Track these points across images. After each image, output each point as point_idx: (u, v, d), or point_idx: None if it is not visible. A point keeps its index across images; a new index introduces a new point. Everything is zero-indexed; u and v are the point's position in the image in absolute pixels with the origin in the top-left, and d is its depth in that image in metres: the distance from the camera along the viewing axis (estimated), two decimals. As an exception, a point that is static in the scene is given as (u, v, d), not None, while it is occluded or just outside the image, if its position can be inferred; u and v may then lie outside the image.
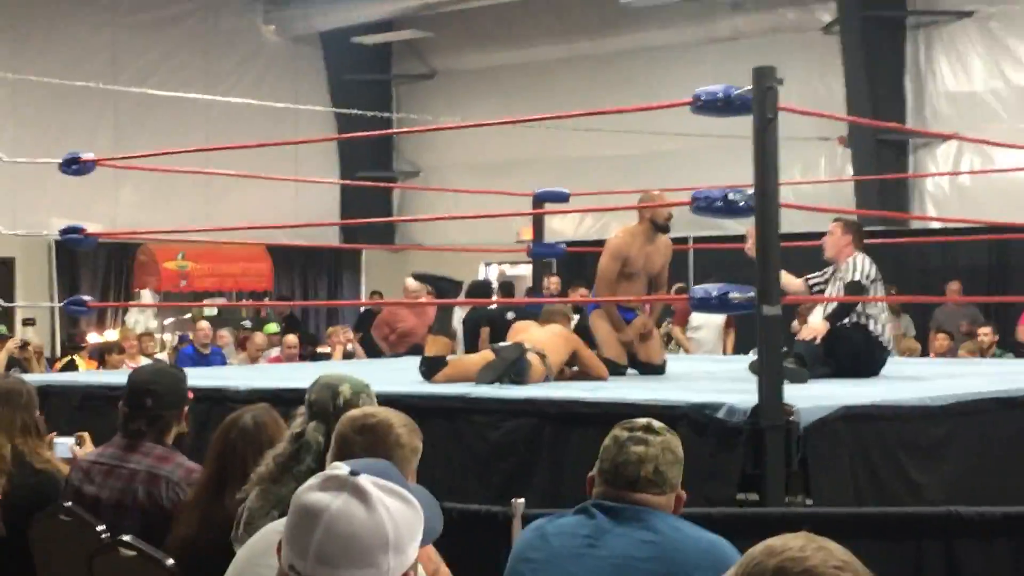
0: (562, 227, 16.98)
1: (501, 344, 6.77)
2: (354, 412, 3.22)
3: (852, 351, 7.16)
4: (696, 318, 13.35)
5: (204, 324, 13.06)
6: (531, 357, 6.55)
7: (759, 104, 5.30)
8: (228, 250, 16.61)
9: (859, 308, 7.24)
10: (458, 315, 12.07)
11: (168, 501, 4.08)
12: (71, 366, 11.94)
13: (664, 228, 7.48)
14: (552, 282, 12.88)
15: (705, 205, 5.68)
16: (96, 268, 17.00)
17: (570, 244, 11.72)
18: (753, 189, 5.36)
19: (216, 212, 16.51)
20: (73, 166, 7.90)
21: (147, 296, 16.72)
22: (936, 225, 15.55)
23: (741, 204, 5.57)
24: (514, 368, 6.34)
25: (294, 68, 19.06)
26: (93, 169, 7.95)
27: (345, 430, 3.10)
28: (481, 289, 9.69)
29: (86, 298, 8.57)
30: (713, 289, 5.59)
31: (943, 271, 14.48)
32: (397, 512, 1.89)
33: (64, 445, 4.83)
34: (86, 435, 4.85)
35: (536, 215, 10.38)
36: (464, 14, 18.08)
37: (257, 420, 3.91)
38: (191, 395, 4.43)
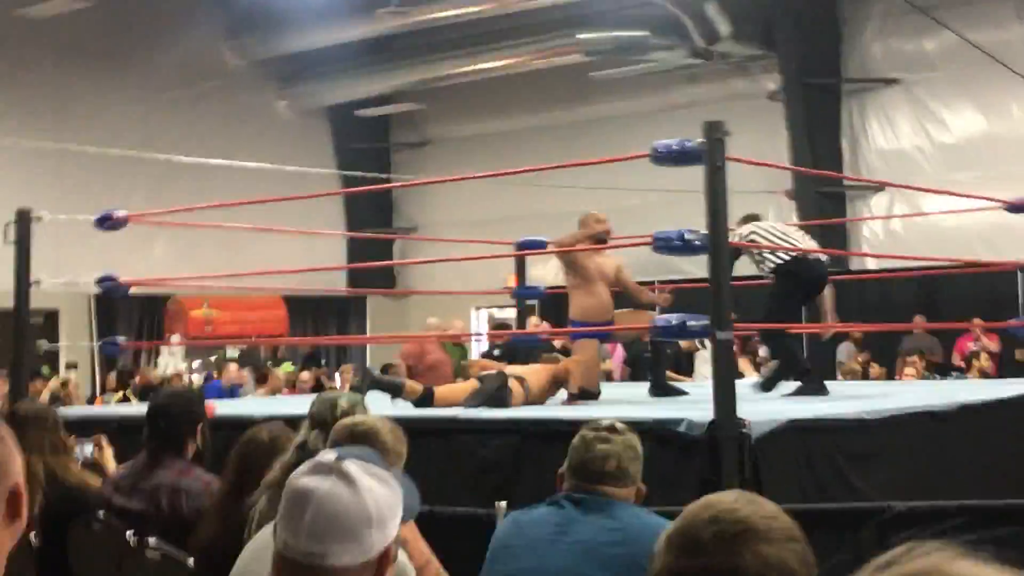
0: (542, 274, 16.95)
1: (484, 373, 6.75)
2: (346, 420, 3.20)
3: None
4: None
5: (232, 365, 13.15)
6: (512, 384, 6.53)
7: (709, 154, 5.33)
8: (248, 299, 16.61)
9: None
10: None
11: (188, 511, 4.04)
12: (126, 399, 11.92)
13: (603, 240, 7.38)
14: (532, 322, 12.89)
15: (664, 244, 5.69)
16: (131, 317, 16.97)
17: (549, 288, 11.71)
18: (706, 230, 5.38)
19: (237, 267, 16.47)
20: (107, 223, 7.90)
21: (176, 341, 16.68)
22: (872, 265, 15.58)
23: (696, 243, 5.58)
24: (498, 393, 6.31)
25: (304, 138, 19.11)
26: (125, 225, 7.93)
27: (338, 436, 3.08)
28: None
29: (120, 339, 8.56)
30: (673, 318, 5.62)
31: (879, 305, 14.49)
32: (379, 492, 1.88)
33: (85, 448, 4.79)
34: (103, 437, 4.81)
35: (518, 262, 10.40)
36: (454, 88, 18.17)
37: (271, 434, 3.89)
38: (210, 413, 4.40)
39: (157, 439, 4.20)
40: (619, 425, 3.08)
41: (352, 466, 1.88)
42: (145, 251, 16.07)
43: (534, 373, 6.81)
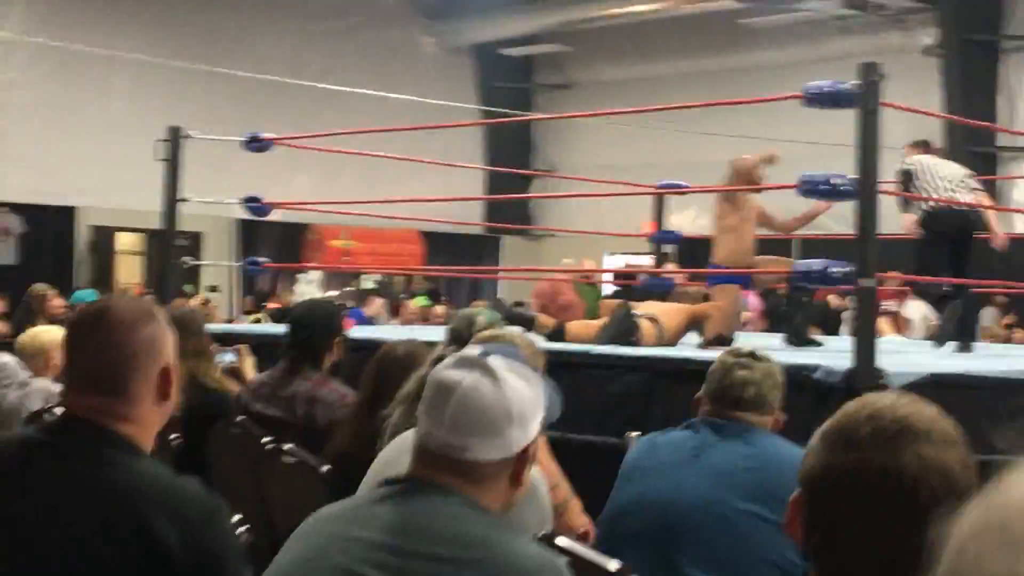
0: (679, 222, 16.80)
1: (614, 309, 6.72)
2: (485, 332, 3.21)
3: None
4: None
5: (376, 298, 13.40)
6: (641, 321, 6.48)
7: (863, 97, 5.20)
8: (385, 232, 16.78)
9: None
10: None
11: (323, 420, 4.12)
12: (258, 323, 12.18)
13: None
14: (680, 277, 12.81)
15: (811, 188, 5.59)
16: (271, 244, 17.28)
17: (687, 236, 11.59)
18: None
19: (376, 199, 16.66)
20: (253, 144, 8.05)
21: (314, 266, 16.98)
22: (1021, 228, 15.09)
23: (842, 187, 5.47)
24: (623, 326, 6.27)
25: (448, 75, 19.14)
26: (270, 147, 8.07)
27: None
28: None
29: (261, 259, 8.73)
30: (815, 264, 5.51)
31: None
32: (522, 389, 1.88)
33: (226, 357, 4.90)
34: (243, 347, 4.91)
35: (657, 207, 10.30)
36: (600, 31, 18.02)
37: (407, 350, 3.92)
38: (348, 327, 4.46)
39: (296, 349, 4.28)
40: (760, 352, 3.03)
41: (497, 362, 1.88)
42: (287, 180, 16.30)
43: (668, 313, 6.75)
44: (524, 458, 1.89)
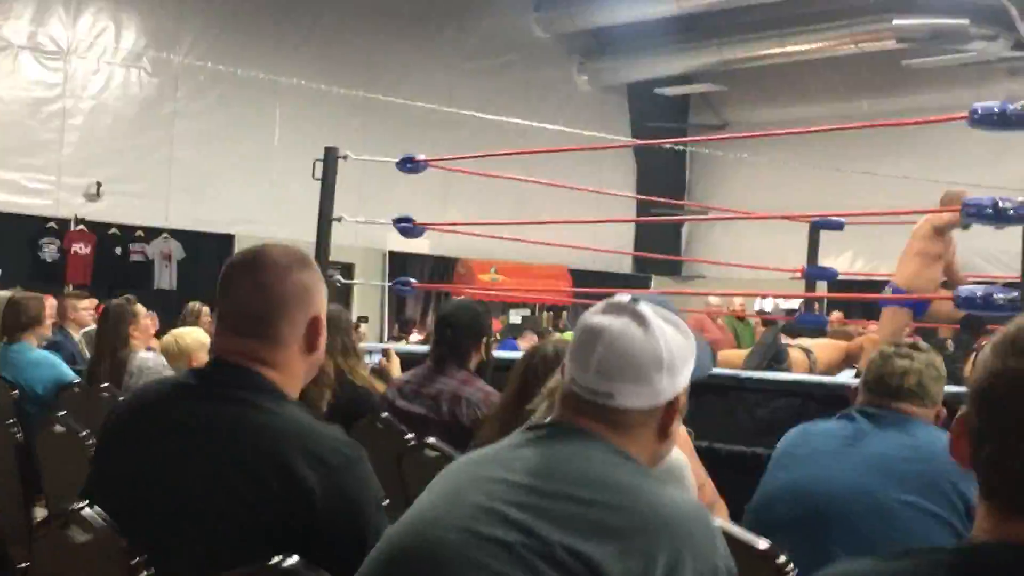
0: (837, 264, 16.50)
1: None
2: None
3: None
4: None
5: (529, 332, 13.46)
6: (792, 350, 6.36)
7: (1034, 116, 5.04)
8: (535, 267, 16.84)
9: None
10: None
11: (467, 419, 4.11)
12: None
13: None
14: (835, 317, 12.59)
15: (976, 212, 5.46)
16: (423, 275, 17.47)
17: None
18: (1024, 199, 5.12)
19: (527, 235, 16.72)
20: (408, 164, 8.17)
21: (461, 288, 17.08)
22: None
23: (1010, 212, 5.32)
24: (770, 351, 6.16)
25: (602, 113, 19.17)
26: (424, 169, 8.17)
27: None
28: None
29: (412, 280, 8.82)
30: (978, 290, 5.35)
31: None
32: (672, 337, 1.83)
33: (375, 357, 4.93)
34: (391, 350, 4.94)
35: (811, 246, 10.14)
36: (756, 71, 17.87)
37: (557, 349, 3.89)
38: (497, 328, 4.45)
39: (443, 346, 4.28)
40: (922, 344, 2.92)
41: (647, 308, 1.83)
42: (439, 210, 16.46)
43: (823, 347, 6.63)
44: (672, 409, 1.84)
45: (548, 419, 1.87)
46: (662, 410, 1.83)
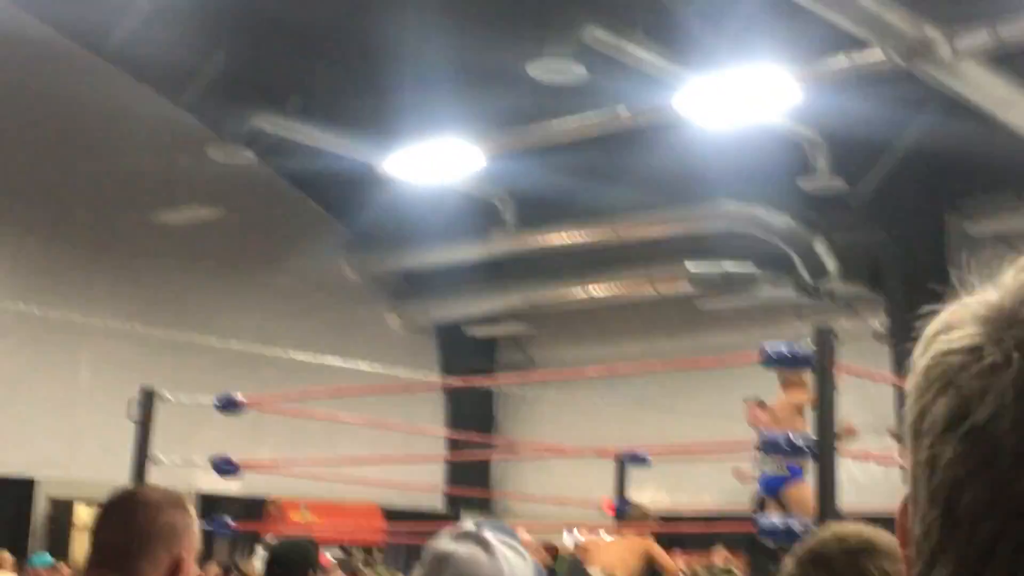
0: (642, 498, 16.87)
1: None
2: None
3: None
4: None
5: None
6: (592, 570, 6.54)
7: (819, 357, 5.50)
8: (346, 506, 16.73)
9: None
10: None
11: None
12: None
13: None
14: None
15: (772, 448, 5.86)
16: (233, 516, 17.10)
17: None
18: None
19: (339, 475, 16.67)
20: (227, 405, 8.23)
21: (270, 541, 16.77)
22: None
23: (802, 447, 5.72)
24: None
25: (413, 352, 19.53)
26: (243, 408, 8.24)
27: None
28: None
29: (228, 520, 8.74)
30: (777, 520, 5.67)
31: None
32: (513, 560, 2.01)
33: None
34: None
35: (619, 481, 10.44)
36: (561, 313, 18.57)
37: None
38: (326, 565, 4.53)
39: (273, 584, 4.34)
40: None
41: (489, 534, 2.02)
42: (251, 450, 16.32)
43: (622, 561, 6.80)
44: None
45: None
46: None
